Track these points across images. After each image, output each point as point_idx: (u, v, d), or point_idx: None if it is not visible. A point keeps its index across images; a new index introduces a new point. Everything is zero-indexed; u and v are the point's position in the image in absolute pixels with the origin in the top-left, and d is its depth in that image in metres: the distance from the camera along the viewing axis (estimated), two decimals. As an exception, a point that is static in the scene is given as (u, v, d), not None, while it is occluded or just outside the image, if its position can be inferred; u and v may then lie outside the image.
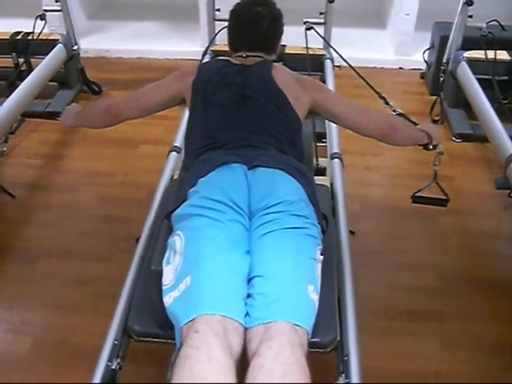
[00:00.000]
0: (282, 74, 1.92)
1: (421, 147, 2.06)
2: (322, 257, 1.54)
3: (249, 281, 1.40)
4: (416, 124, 2.07)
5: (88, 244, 2.62)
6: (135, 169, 3.12)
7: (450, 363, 2.06)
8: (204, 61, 3.06)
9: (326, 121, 2.60)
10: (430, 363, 2.06)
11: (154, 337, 1.61)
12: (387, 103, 2.20)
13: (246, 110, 1.82)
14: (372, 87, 2.34)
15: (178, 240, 1.48)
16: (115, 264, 2.37)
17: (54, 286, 2.39)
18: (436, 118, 3.61)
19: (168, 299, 1.39)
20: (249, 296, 1.37)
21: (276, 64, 1.99)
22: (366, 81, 2.40)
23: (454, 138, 3.39)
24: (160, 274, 1.47)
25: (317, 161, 2.37)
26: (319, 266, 1.51)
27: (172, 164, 2.25)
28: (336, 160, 2.31)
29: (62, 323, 2.22)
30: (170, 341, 1.51)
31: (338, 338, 1.55)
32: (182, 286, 1.35)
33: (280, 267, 1.41)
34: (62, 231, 2.70)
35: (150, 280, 1.59)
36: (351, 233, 2.48)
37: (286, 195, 1.57)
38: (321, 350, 1.51)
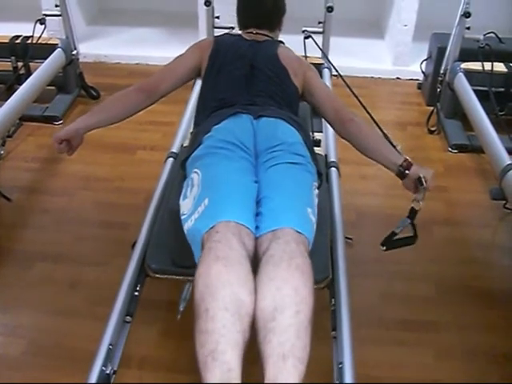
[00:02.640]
0: (286, 53, 2.20)
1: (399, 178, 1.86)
2: (317, 191, 1.79)
3: (257, 203, 1.62)
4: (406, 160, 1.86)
5: (84, 249, 2.62)
6: (132, 174, 3.13)
7: (445, 373, 2.06)
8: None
9: (324, 129, 2.64)
10: (424, 373, 2.06)
11: (170, 274, 1.79)
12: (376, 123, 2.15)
13: (253, 78, 2.07)
14: (359, 100, 2.38)
15: (195, 176, 1.69)
16: (111, 269, 2.37)
17: (49, 289, 2.39)
18: (432, 129, 3.63)
19: (189, 223, 1.58)
20: (258, 214, 1.59)
21: (282, 44, 2.29)
22: (353, 93, 2.42)
23: (450, 149, 3.41)
24: (176, 211, 1.67)
25: (312, 134, 2.51)
26: (316, 197, 1.74)
27: (169, 170, 2.26)
28: (333, 169, 2.32)
29: (57, 327, 2.21)
30: (184, 277, 1.79)
31: (331, 277, 1.77)
32: (201, 208, 1.56)
33: (283, 190, 1.65)
34: (58, 235, 2.70)
35: (167, 218, 1.85)
36: (348, 239, 2.51)
37: (286, 138, 1.82)
38: (315, 286, 1.54)
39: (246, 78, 2.07)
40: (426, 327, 2.25)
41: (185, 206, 1.64)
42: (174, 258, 1.77)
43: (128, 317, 1.70)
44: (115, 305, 1.67)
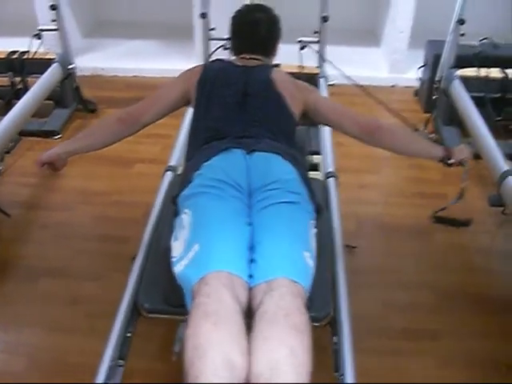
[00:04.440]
0: (280, 77, 2.08)
1: (442, 163, 2.00)
2: (315, 230, 1.69)
3: (250, 248, 1.53)
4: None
5: (84, 263, 2.62)
6: (131, 188, 3.13)
7: (446, 381, 2.06)
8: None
9: (321, 139, 2.65)
10: (426, 381, 2.06)
11: (163, 313, 1.69)
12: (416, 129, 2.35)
13: (246, 107, 1.96)
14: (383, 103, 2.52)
15: (185, 217, 1.61)
16: (111, 283, 2.37)
17: (49, 305, 2.39)
18: (431, 136, 3.63)
19: (179, 268, 1.50)
20: (252, 261, 1.50)
21: (276, 68, 2.17)
22: (372, 96, 2.62)
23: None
24: (168, 250, 1.59)
25: (310, 157, 2.51)
26: (314, 239, 1.65)
27: (167, 183, 2.26)
28: (331, 179, 2.32)
29: (58, 343, 2.21)
30: (178, 317, 1.68)
31: (332, 314, 1.67)
32: (191, 254, 1.48)
33: (278, 234, 1.55)
34: (57, 250, 2.70)
35: (159, 258, 1.73)
36: (352, 247, 2.51)
37: (281, 175, 1.73)
38: (316, 324, 1.57)
39: (238, 106, 1.96)
40: (426, 336, 2.25)
41: (175, 248, 1.57)
42: (168, 296, 1.67)
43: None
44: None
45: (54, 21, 3.61)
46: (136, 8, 5.17)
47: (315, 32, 3.34)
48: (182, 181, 1.82)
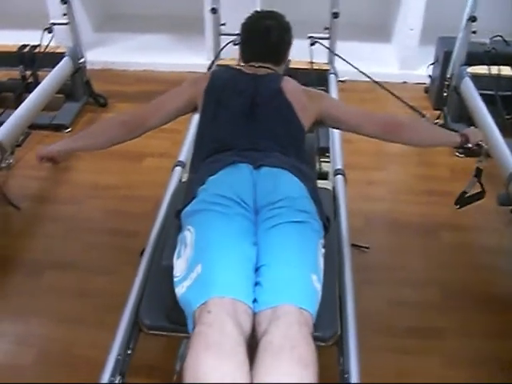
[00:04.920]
0: (291, 87, 2.00)
1: (460, 150, 2.11)
2: (323, 250, 1.62)
3: (256, 270, 1.47)
4: (456, 131, 2.11)
5: (93, 257, 2.64)
6: (140, 182, 3.14)
7: (452, 380, 2.06)
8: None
9: (330, 136, 2.65)
10: (431, 381, 2.06)
11: (165, 330, 1.65)
12: (423, 116, 2.49)
13: (255, 117, 1.90)
14: (402, 100, 2.64)
15: (188, 234, 1.54)
16: (120, 277, 2.37)
17: (58, 298, 2.41)
18: (436, 121, 3.63)
19: (180, 289, 1.45)
20: (256, 284, 1.43)
21: (286, 77, 2.08)
22: (394, 94, 2.71)
23: (457, 153, 3.40)
24: (170, 268, 1.54)
25: (320, 165, 2.47)
26: (322, 259, 1.58)
27: (177, 179, 2.26)
28: (339, 176, 2.32)
29: (66, 336, 2.24)
30: (179, 334, 1.62)
31: (339, 333, 1.61)
32: (194, 275, 1.42)
33: (285, 256, 1.48)
34: (66, 244, 2.72)
35: (161, 275, 1.66)
36: (365, 248, 2.53)
37: (290, 192, 1.65)
38: (323, 344, 1.55)
39: (246, 116, 1.89)
40: (432, 334, 2.26)
41: (178, 266, 1.51)
42: (169, 313, 1.62)
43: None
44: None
45: (65, 15, 3.63)
46: (147, 2, 5.18)
47: (325, 28, 3.33)
48: (186, 194, 1.76)
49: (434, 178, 3.22)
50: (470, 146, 2.01)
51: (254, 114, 1.90)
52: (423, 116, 2.38)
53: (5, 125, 2.92)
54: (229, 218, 1.54)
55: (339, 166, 2.40)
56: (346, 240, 1.96)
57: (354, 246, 2.20)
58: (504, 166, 2.69)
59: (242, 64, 2.15)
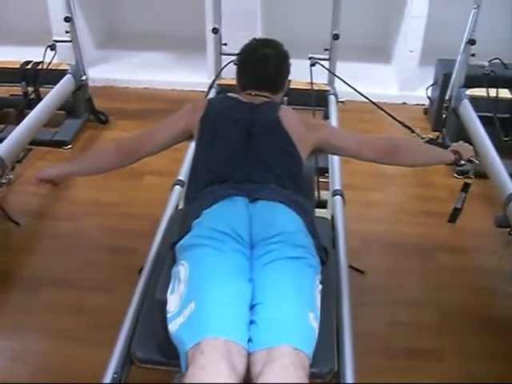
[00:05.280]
0: (288, 116, 1.97)
1: (452, 166, 2.24)
2: (321, 286, 1.58)
3: (251, 308, 1.43)
4: (447, 147, 2.20)
5: (91, 274, 2.64)
6: (140, 199, 3.15)
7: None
8: (210, 95, 3.13)
9: (329, 156, 2.67)
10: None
11: (157, 364, 1.62)
12: (413, 131, 2.50)
13: (251, 147, 1.87)
14: (395, 118, 2.66)
15: (182, 269, 1.52)
16: (118, 295, 2.36)
17: (55, 315, 2.41)
18: (425, 136, 3.63)
19: (173, 326, 1.42)
20: (251, 322, 1.40)
21: (283, 106, 2.06)
22: (387, 112, 2.73)
23: (455, 175, 3.41)
24: (163, 302, 1.51)
25: (318, 194, 2.44)
26: (319, 296, 1.55)
27: (176, 197, 2.28)
28: (338, 197, 2.33)
29: (63, 352, 2.23)
30: (172, 368, 1.59)
31: (336, 369, 1.57)
32: (187, 312, 1.39)
33: (281, 294, 1.45)
34: (65, 260, 2.72)
35: (154, 308, 1.62)
36: (360, 271, 2.52)
37: (286, 226, 1.62)
38: (319, 380, 1.53)
39: (242, 146, 1.87)
40: (430, 355, 2.25)
41: (171, 302, 1.48)
42: (162, 347, 1.58)
43: None
44: (122, 328, 1.63)
45: (67, 32, 3.66)
46: (149, 20, 5.22)
47: (326, 49, 3.36)
48: (180, 226, 1.73)
49: (432, 199, 3.23)
50: (462, 162, 2.12)
51: (251, 143, 1.87)
52: (413, 132, 2.45)
53: (6, 141, 2.95)
54: (224, 254, 1.50)
55: (338, 187, 2.41)
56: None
57: (350, 267, 2.20)
58: (501, 188, 2.71)
59: (240, 92, 2.11)
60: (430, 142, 2.38)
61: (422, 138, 2.40)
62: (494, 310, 2.51)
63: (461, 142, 2.22)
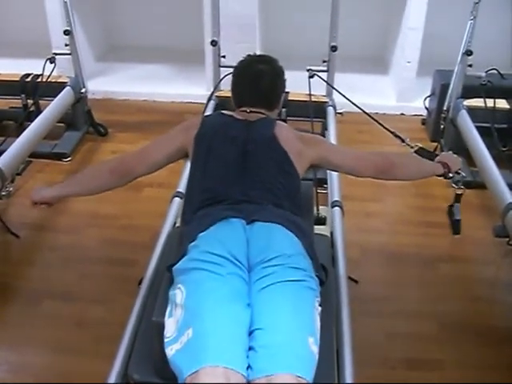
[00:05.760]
0: (284, 133, 1.95)
1: (441, 177, 2.22)
2: (320, 308, 1.56)
3: (250, 333, 1.41)
4: (436, 155, 2.29)
5: (91, 286, 2.64)
6: (139, 212, 3.15)
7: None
8: (209, 107, 3.15)
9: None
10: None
11: None
12: (403, 141, 2.54)
13: (247, 166, 1.84)
14: (387, 128, 2.70)
15: (178, 293, 1.49)
16: (117, 307, 2.38)
17: (55, 327, 2.41)
18: (415, 145, 3.63)
19: (170, 351, 1.40)
20: (250, 349, 1.37)
21: (279, 122, 2.03)
22: (379, 123, 2.79)
23: (453, 185, 3.42)
24: (161, 325, 1.50)
25: (317, 210, 2.43)
26: (318, 318, 1.52)
27: (175, 210, 2.28)
28: (336, 208, 2.34)
29: (62, 365, 2.23)
30: None
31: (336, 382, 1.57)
32: (184, 338, 1.37)
33: (280, 320, 1.42)
34: (65, 273, 2.72)
35: (151, 331, 1.61)
36: (354, 281, 2.52)
37: (284, 249, 1.58)
38: None
39: (238, 165, 1.83)
40: (430, 366, 2.25)
41: (169, 326, 1.46)
42: (159, 369, 1.58)
43: None
44: (120, 348, 1.62)
45: (67, 45, 3.68)
46: (148, 33, 5.23)
47: (324, 61, 3.38)
48: (177, 248, 1.71)
49: (430, 210, 3.24)
50: (450, 175, 2.21)
51: (246, 162, 1.84)
52: (403, 141, 2.53)
53: (6, 153, 2.95)
54: (221, 279, 1.47)
55: (337, 198, 2.42)
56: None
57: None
58: (499, 198, 2.72)
59: (236, 109, 2.09)
60: (420, 150, 2.42)
61: (412, 148, 2.45)
62: (493, 320, 2.51)
63: (450, 152, 2.33)
